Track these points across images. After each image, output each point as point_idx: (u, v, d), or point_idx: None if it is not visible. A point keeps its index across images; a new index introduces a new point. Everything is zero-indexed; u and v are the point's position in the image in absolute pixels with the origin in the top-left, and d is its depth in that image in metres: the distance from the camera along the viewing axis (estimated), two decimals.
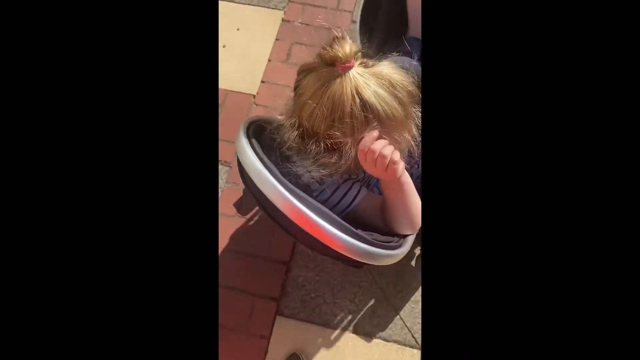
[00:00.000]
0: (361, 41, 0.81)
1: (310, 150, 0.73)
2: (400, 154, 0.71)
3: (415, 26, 1.05)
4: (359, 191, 0.80)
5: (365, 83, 0.67)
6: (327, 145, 0.72)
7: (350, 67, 0.67)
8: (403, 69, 0.72)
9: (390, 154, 0.69)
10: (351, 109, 0.67)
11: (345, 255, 0.69)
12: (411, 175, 0.77)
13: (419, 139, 0.75)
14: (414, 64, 0.87)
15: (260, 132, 0.82)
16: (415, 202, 0.78)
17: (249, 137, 0.75)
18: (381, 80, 0.69)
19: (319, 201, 0.75)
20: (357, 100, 0.67)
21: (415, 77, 0.73)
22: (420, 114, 0.74)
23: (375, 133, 0.69)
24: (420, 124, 0.75)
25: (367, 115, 0.68)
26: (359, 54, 0.70)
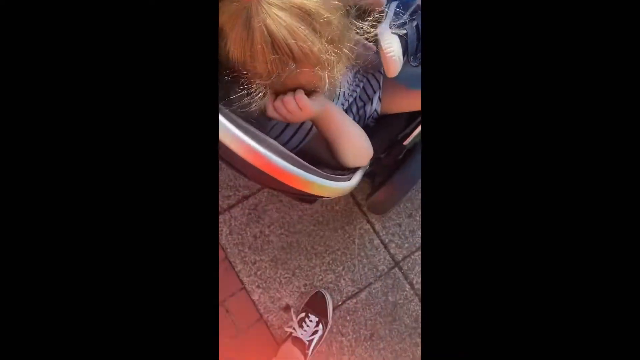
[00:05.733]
0: None
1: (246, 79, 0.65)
2: (319, 87, 0.66)
3: None
4: (310, 129, 0.77)
5: (276, 16, 0.57)
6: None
7: None
8: None
9: (294, 107, 0.65)
10: (262, 49, 0.59)
11: (296, 189, 0.69)
12: (364, 114, 0.74)
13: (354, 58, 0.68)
14: None
15: None
16: (352, 131, 0.77)
17: None
18: (295, 10, 0.58)
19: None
20: (268, 39, 0.58)
21: None
22: (358, 24, 0.67)
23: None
24: (356, 34, 0.68)
25: (281, 56, 0.60)
26: None
